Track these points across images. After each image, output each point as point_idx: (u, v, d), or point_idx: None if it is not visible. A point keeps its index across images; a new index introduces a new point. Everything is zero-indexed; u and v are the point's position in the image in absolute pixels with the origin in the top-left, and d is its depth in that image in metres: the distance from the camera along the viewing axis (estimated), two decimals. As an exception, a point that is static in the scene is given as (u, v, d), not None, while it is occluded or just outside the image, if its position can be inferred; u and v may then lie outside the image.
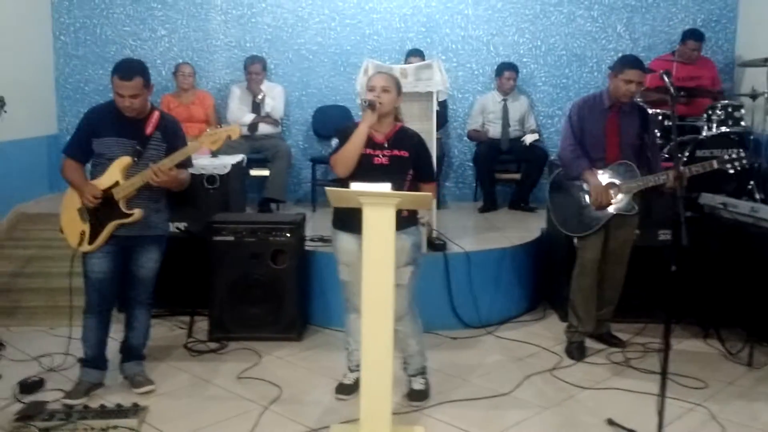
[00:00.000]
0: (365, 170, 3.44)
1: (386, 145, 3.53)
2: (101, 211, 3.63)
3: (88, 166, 3.81)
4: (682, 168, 3.70)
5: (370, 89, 3.52)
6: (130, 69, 3.57)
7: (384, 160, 3.50)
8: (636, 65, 4.13)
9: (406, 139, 3.59)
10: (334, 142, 3.59)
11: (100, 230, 3.65)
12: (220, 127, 3.80)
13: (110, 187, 3.63)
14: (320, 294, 4.88)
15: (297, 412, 3.60)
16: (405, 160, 3.54)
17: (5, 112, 3.96)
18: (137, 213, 3.65)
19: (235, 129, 3.75)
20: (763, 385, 3.94)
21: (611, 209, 4.17)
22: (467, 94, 7.08)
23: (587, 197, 4.22)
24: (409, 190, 3.53)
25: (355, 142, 3.45)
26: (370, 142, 3.51)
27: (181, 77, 6.46)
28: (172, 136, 3.75)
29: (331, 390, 3.82)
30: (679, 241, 3.11)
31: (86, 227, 3.67)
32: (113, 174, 3.63)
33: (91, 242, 3.66)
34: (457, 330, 4.77)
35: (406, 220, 3.50)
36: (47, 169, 6.62)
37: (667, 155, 5.31)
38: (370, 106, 3.45)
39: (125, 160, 3.63)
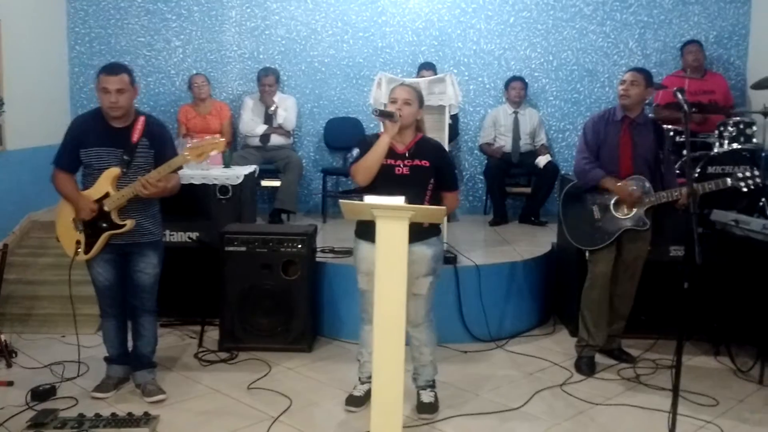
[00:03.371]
0: (386, 181, 3.47)
1: (407, 156, 3.56)
2: (94, 222, 3.67)
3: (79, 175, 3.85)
4: (695, 185, 3.70)
5: (392, 101, 3.55)
6: (115, 66, 3.66)
7: (405, 171, 3.53)
8: (629, 69, 4.29)
9: (427, 148, 3.61)
10: (355, 151, 3.61)
11: (95, 240, 3.69)
12: (207, 138, 3.76)
13: (101, 199, 3.66)
14: (331, 305, 4.89)
15: (307, 424, 3.61)
16: (426, 170, 3.56)
17: (4, 111, 3.95)
18: (129, 224, 3.68)
19: (220, 143, 3.69)
20: (775, 403, 3.93)
21: (625, 224, 4.17)
22: (478, 107, 7.11)
23: (598, 211, 4.24)
24: (431, 199, 3.56)
25: (377, 153, 3.48)
26: (391, 153, 3.53)
27: (196, 88, 6.53)
28: (160, 142, 3.74)
29: (340, 402, 3.82)
30: (692, 259, 3.11)
31: (81, 237, 3.72)
32: (103, 185, 3.65)
33: (86, 252, 3.71)
34: (467, 343, 4.77)
35: (427, 230, 3.52)
36: (60, 177, 6.66)
37: (678, 171, 5.31)
38: (389, 116, 3.47)
39: (114, 171, 3.64)
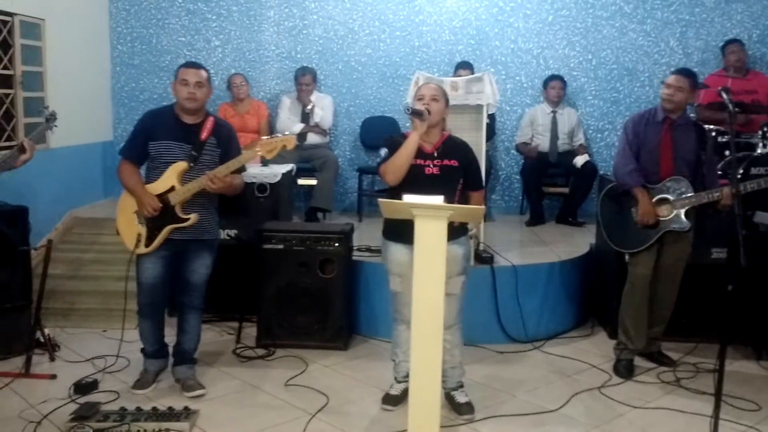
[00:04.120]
0: (416, 180, 3.47)
1: (436, 155, 3.56)
2: (158, 215, 3.71)
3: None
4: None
5: (419, 98, 3.56)
6: (195, 62, 3.82)
7: (435, 170, 3.53)
8: (675, 72, 4.19)
9: (454, 148, 3.62)
10: (383, 151, 3.62)
11: (156, 234, 3.73)
12: (278, 136, 3.83)
13: (166, 192, 3.71)
14: (367, 304, 4.91)
15: (343, 422, 3.62)
16: (455, 170, 3.56)
17: (56, 126, 4.09)
18: (193, 217, 3.72)
19: (290, 139, 3.78)
20: (819, 410, 3.85)
21: (666, 226, 4.11)
22: (516, 106, 7.07)
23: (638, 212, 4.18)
24: (459, 199, 3.55)
25: (407, 151, 3.48)
26: (420, 153, 3.53)
27: (235, 88, 6.59)
28: (227, 142, 3.83)
29: (377, 400, 3.83)
30: (736, 261, 3.06)
31: (142, 230, 3.76)
32: (169, 179, 3.71)
33: (147, 245, 3.74)
34: (504, 344, 4.74)
35: (457, 230, 3.51)
36: (102, 174, 6.80)
37: (721, 172, 5.22)
38: (419, 114, 3.48)
39: (181, 165, 3.70)
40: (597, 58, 6.99)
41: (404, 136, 3.57)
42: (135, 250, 3.77)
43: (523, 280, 4.84)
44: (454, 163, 3.56)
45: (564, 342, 4.88)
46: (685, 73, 4.19)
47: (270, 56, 7.15)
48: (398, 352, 3.78)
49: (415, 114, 3.49)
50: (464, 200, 3.62)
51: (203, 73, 3.72)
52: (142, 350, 4.02)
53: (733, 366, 4.36)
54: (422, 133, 3.50)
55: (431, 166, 3.54)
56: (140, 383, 3.91)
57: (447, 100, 3.66)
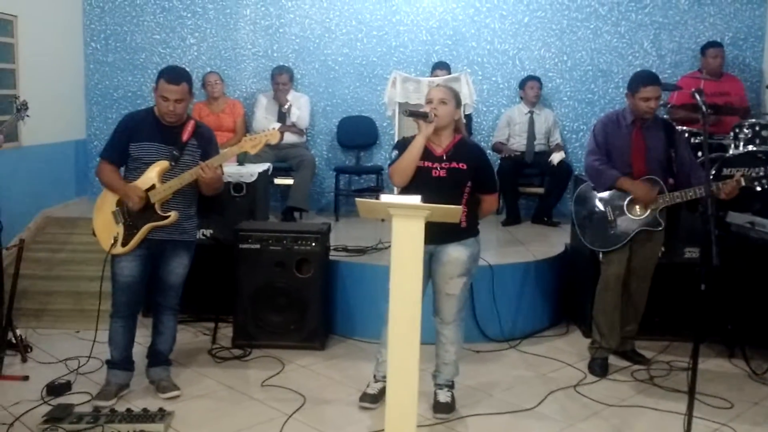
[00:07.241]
0: (423, 183, 3.47)
1: (444, 158, 3.56)
2: (136, 213, 3.69)
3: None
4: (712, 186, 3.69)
5: (428, 101, 3.57)
6: (177, 74, 3.71)
7: (442, 173, 3.53)
8: (650, 81, 4.13)
9: (465, 151, 3.61)
10: (394, 153, 3.64)
11: (135, 233, 3.70)
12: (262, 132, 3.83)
13: (146, 191, 3.70)
14: (343, 304, 4.90)
15: (320, 421, 3.62)
16: (463, 173, 3.55)
17: (28, 116, 4.05)
18: (173, 215, 3.71)
19: (275, 134, 3.78)
20: (790, 407, 3.91)
21: (639, 224, 4.15)
22: (492, 107, 7.10)
23: (612, 212, 4.22)
24: (468, 202, 3.55)
25: (412, 153, 3.49)
26: (429, 155, 3.54)
27: (209, 87, 6.54)
28: (207, 144, 3.85)
29: (354, 400, 3.83)
30: (709, 260, 3.10)
31: (120, 230, 3.72)
32: (150, 177, 3.70)
33: (124, 245, 3.70)
34: (480, 343, 4.76)
35: (464, 231, 3.52)
36: (75, 173, 6.72)
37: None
38: (423, 116, 3.48)
39: (163, 164, 3.70)
40: (572, 60, 7.04)
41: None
42: (111, 250, 3.72)
43: (500, 280, 4.86)
44: (462, 166, 3.55)
45: (539, 341, 4.91)
46: (658, 81, 4.19)
47: (246, 55, 7.11)
48: (384, 352, 3.75)
49: (416, 115, 3.49)
50: (474, 203, 3.62)
51: (185, 88, 3.68)
52: (108, 361, 3.89)
53: (706, 364, 4.41)
54: (429, 135, 3.50)
55: (438, 168, 3.54)
56: (102, 395, 3.75)
57: (459, 102, 3.65)
